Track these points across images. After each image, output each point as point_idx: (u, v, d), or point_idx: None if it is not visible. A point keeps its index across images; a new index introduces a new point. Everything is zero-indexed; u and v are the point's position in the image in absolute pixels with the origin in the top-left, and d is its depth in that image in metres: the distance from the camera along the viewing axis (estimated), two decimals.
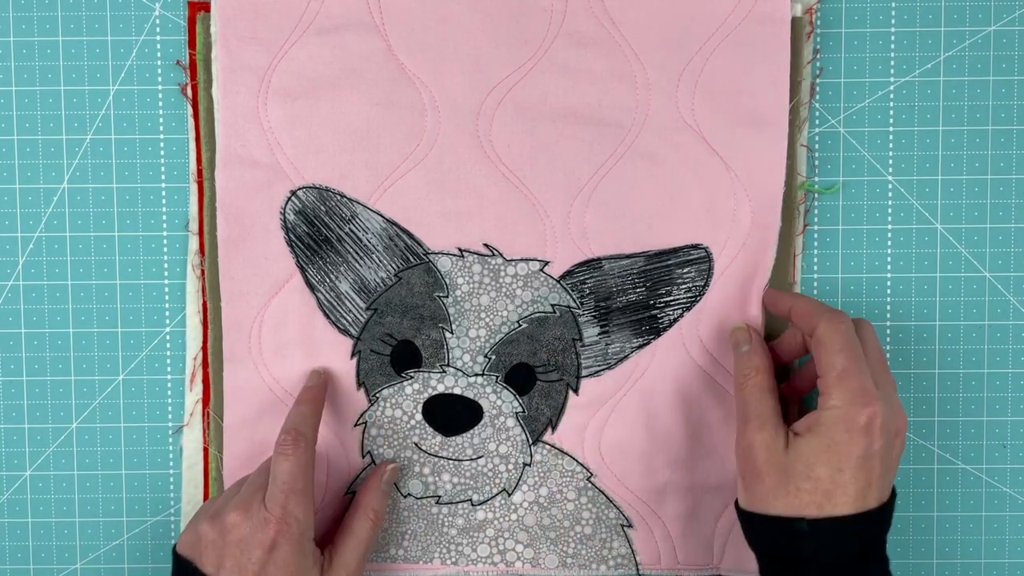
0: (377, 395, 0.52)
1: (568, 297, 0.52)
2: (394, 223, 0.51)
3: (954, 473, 0.54)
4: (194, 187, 0.52)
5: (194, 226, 0.52)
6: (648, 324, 0.52)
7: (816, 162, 0.53)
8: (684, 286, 0.51)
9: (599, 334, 0.52)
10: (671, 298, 0.52)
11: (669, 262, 0.51)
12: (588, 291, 0.52)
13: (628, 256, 0.51)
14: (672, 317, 0.52)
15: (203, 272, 0.52)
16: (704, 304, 0.52)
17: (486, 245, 0.51)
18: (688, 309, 0.52)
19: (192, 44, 0.51)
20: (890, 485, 0.46)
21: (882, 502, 0.45)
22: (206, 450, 0.53)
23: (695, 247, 0.51)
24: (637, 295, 0.52)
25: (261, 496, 0.47)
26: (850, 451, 0.44)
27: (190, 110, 0.52)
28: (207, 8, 0.51)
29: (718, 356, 0.52)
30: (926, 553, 0.54)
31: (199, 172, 0.52)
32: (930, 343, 0.54)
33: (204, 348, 0.52)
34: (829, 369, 0.45)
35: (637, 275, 0.51)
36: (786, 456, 0.45)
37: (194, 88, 0.51)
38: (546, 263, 0.51)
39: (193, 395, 0.53)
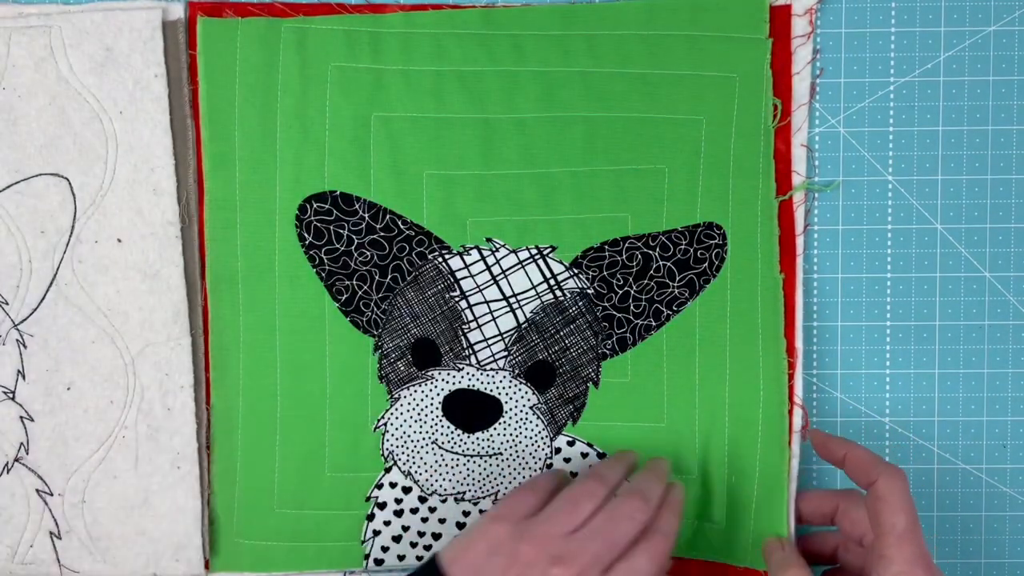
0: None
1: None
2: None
3: (954, 473, 0.54)
4: (194, 187, 0.52)
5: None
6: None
7: (816, 162, 0.53)
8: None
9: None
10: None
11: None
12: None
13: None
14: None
15: (203, 272, 0.52)
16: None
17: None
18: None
19: (192, 44, 0.51)
20: None
21: None
22: (209, 449, 0.53)
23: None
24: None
25: (600, 570, 0.43)
26: None
27: (190, 110, 0.52)
28: (207, 9, 0.51)
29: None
30: None
31: (199, 172, 0.52)
32: (930, 343, 0.54)
33: (206, 349, 0.53)
34: (889, 529, 0.44)
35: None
36: None
37: (194, 89, 0.52)
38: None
39: None
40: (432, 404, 0.52)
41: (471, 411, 0.52)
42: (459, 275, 0.52)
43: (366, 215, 0.51)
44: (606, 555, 0.44)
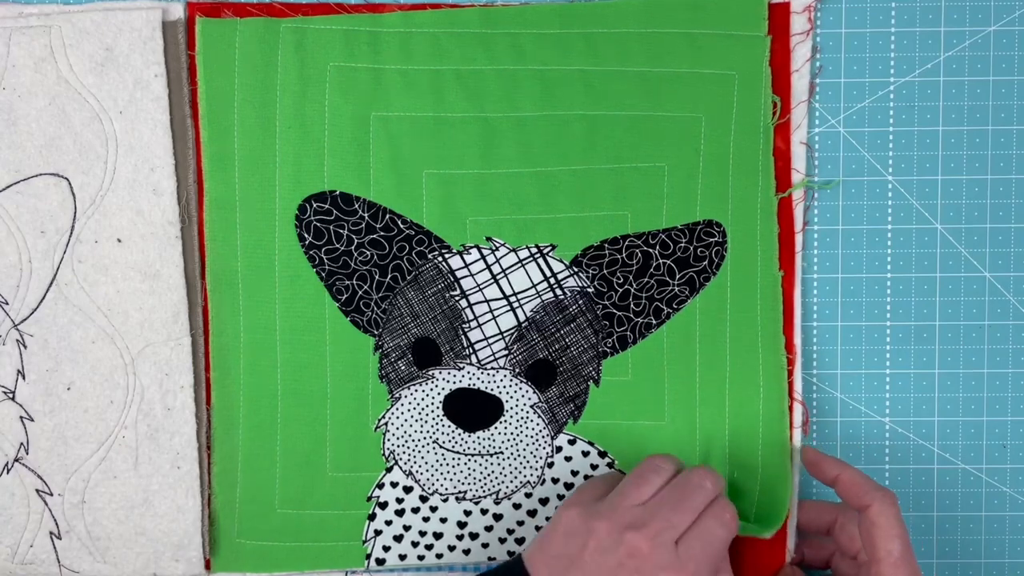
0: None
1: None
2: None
3: (954, 473, 0.54)
4: (194, 187, 0.52)
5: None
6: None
7: (816, 162, 0.53)
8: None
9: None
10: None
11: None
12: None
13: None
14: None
15: (203, 272, 0.52)
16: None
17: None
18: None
19: (192, 45, 0.51)
20: None
21: None
22: (209, 449, 0.53)
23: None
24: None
25: (674, 536, 0.44)
26: None
27: (190, 110, 0.52)
28: (206, 9, 0.51)
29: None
30: (926, 553, 0.54)
31: (199, 172, 0.52)
32: (930, 343, 0.54)
33: (206, 349, 0.53)
34: (885, 556, 0.45)
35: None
36: None
37: (194, 89, 0.52)
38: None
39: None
40: (433, 403, 0.52)
41: (472, 410, 0.52)
42: (459, 274, 0.52)
43: (366, 215, 0.51)
44: (679, 521, 0.44)
